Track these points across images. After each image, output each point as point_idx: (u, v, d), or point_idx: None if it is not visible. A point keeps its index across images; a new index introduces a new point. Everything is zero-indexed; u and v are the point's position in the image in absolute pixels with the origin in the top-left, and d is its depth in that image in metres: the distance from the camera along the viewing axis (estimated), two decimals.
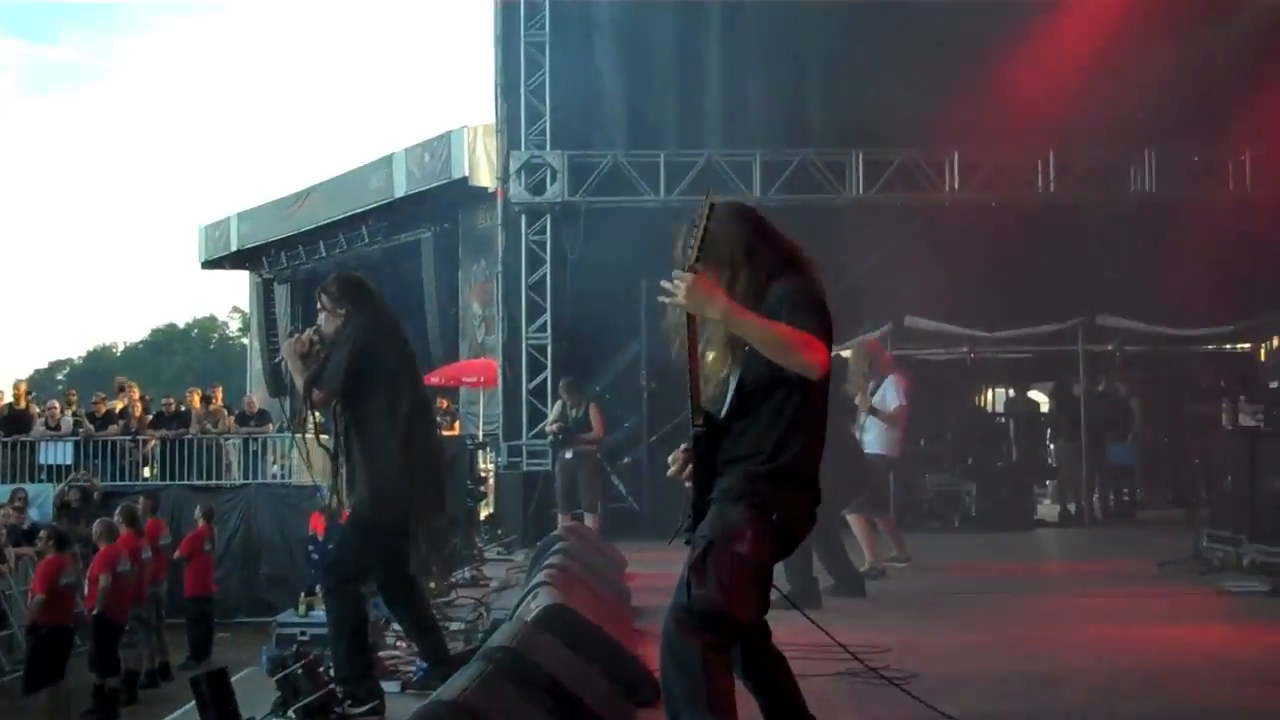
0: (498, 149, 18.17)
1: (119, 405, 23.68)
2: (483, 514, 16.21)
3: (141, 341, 75.06)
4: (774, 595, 4.40)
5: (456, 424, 21.89)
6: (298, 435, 7.03)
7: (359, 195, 26.79)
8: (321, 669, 6.07)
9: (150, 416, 23.45)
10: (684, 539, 4.24)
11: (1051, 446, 18.86)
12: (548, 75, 17.11)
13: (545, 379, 16.76)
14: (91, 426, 22.67)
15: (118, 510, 15.05)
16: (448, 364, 24.26)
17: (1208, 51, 15.77)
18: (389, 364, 6.36)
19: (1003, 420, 19.39)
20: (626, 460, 16.80)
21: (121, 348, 76.04)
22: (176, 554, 16.59)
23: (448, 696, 4.44)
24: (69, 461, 22.07)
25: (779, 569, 4.63)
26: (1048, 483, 19.33)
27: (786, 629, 4.68)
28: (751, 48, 17.16)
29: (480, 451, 16.63)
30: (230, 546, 20.92)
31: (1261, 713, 6.13)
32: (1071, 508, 17.45)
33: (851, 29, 16.60)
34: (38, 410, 23.28)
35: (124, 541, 14.21)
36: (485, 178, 22.22)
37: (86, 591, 13.78)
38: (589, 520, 13.98)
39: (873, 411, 11.53)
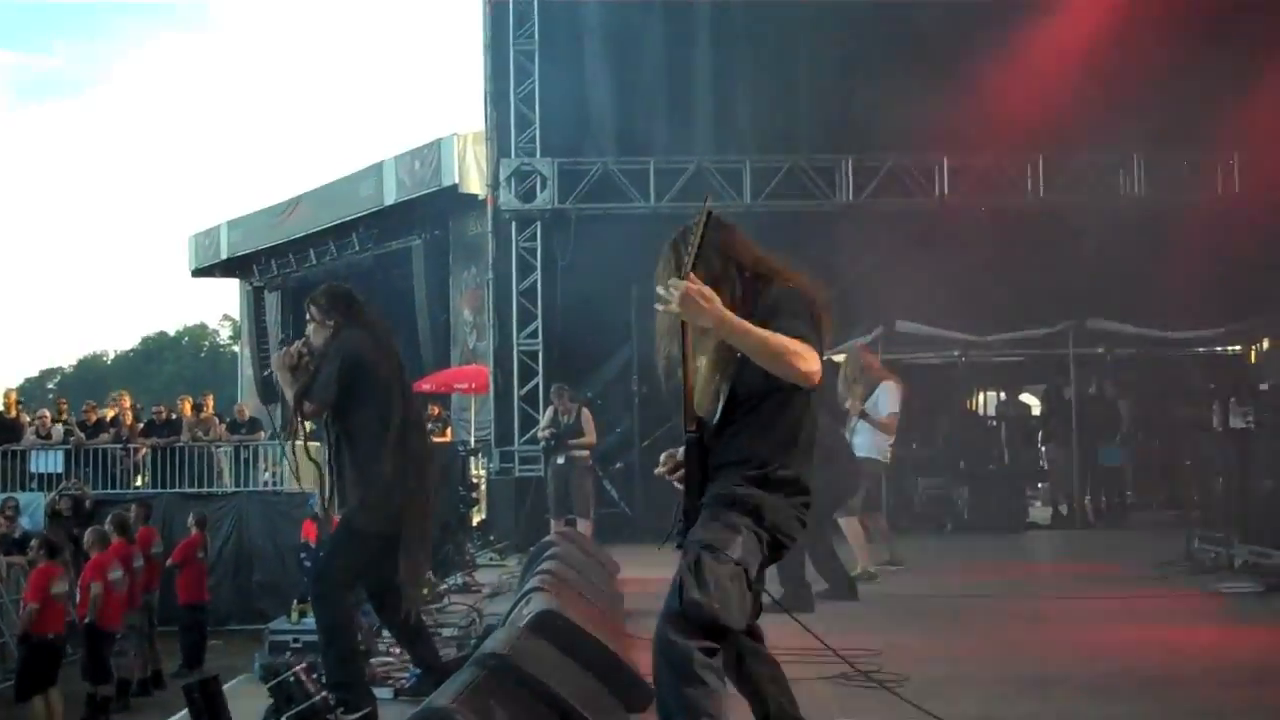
0: (487, 156, 18.21)
1: (110, 414, 23.63)
2: (475, 520, 16.22)
3: (132, 350, 75.11)
4: (766, 599, 4.42)
5: (448, 430, 21.86)
6: (289, 445, 7.03)
7: (349, 203, 26.82)
8: (314, 676, 6.07)
9: (141, 425, 23.37)
10: (676, 544, 4.24)
11: (1043, 449, 18.90)
12: (537, 83, 17.14)
13: (537, 385, 16.77)
14: (82, 435, 22.62)
15: (109, 518, 15.01)
16: (439, 370, 24.26)
17: (1196, 56, 15.80)
18: (379, 375, 6.37)
19: (994, 423, 19.44)
20: (618, 465, 16.82)
21: (112, 356, 76.06)
22: (169, 561, 16.53)
23: (440, 703, 4.44)
24: (60, 470, 22.00)
25: (771, 573, 4.65)
26: (1039, 485, 19.36)
27: (778, 633, 4.69)
28: (741, 54, 17.22)
29: (472, 458, 16.64)
30: (222, 554, 20.87)
31: (1253, 713, 6.14)
32: (1063, 510, 17.48)
33: (841, 35, 16.67)
34: (28, 419, 23.21)
35: (115, 550, 14.18)
36: (475, 185, 22.27)
37: (78, 600, 13.75)
38: (581, 525, 13.96)
39: (864, 416, 11.56)
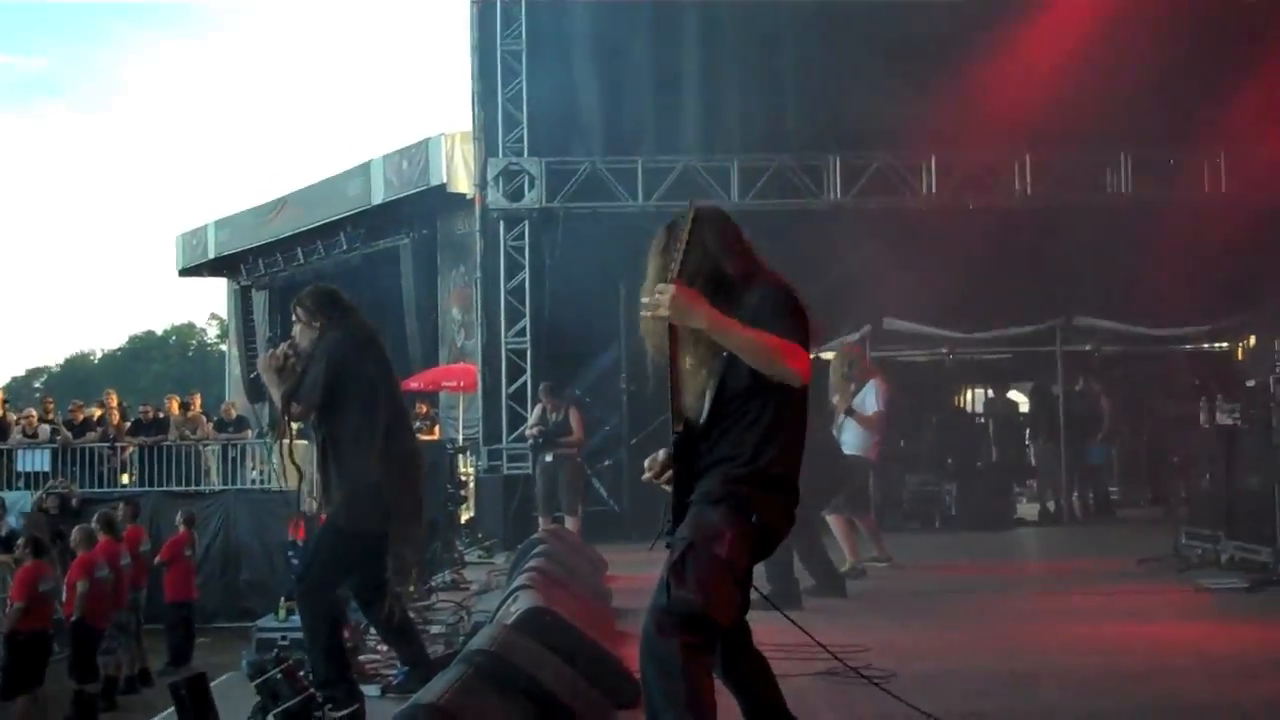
0: (475, 156, 18.16)
1: (96, 412, 23.61)
2: (463, 518, 16.21)
3: (120, 349, 74.87)
4: (754, 596, 4.42)
5: (436, 428, 21.87)
6: (276, 445, 7.04)
7: (337, 202, 26.77)
8: (301, 674, 6.08)
9: (128, 423, 23.36)
10: (664, 543, 4.25)
11: (1030, 446, 18.94)
12: (524, 82, 17.11)
13: (525, 383, 16.75)
14: (69, 434, 22.58)
15: (96, 517, 14.99)
16: (427, 369, 24.27)
17: (1182, 55, 15.85)
18: (365, 376, 6.37)
19: (982, 420, 19.47)
20: (607, 463, 16.82)
21: (99, 355, 75.89)
22: (157, 559, 16.55)
23: (428, 700, 4.45)
24: (46, 469, 21.98)
25: (759, 569, 4.66)
26: (1027, 482, 19.40)
27: (766, 629, 4.69)
28: (728, 54, 17.18)
29: (460, 456, 16.63)
30: (209, 552, 20.89)
31: (1239, 708, 6.15)
32: (1051, 506, 17.52)
33: (828, 34, 16.63)
34: (15, 418, 23.16)
35: (102, 548, 14.15)
36: (463, 184, 22.23)
37: (65, 598, 13.73)
38: (569, 523, 13.98)
39: (850, 413, 11.58)
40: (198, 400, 24.64)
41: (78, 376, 66.31)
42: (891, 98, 15.67)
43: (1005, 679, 6.80)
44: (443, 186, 23.27)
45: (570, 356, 16.84)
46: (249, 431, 23.47)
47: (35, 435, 22.32)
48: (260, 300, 30.95)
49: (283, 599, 8.78)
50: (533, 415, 15.14)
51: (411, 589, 9.48)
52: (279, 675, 5.90)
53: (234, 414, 24.21)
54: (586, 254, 16.00)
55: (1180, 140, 16.82)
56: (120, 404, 24.42)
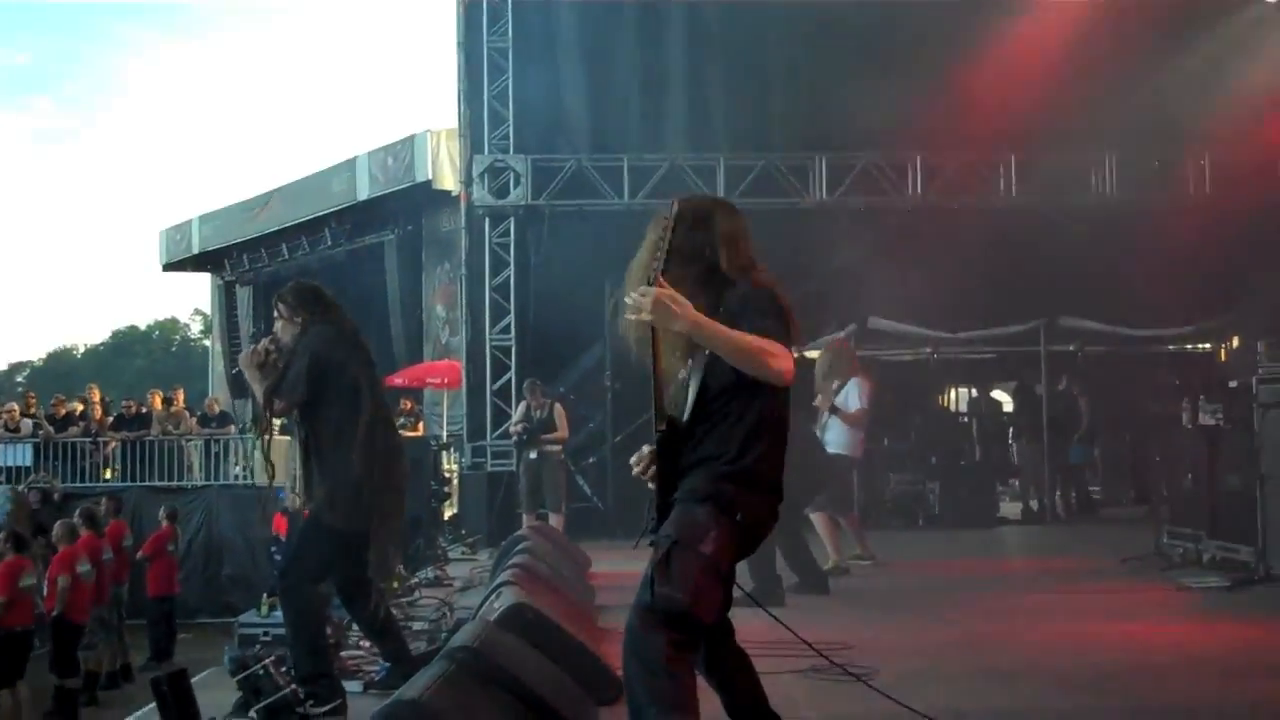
0: (461, 153, 18.15)
1: (79, 407, 23.53)
2: (447, 514, 16.21)
3: (102, 343, 74.54)
4: (737, 593, 4.43)
5: (421, 425, 21.83)
6: (258, 441, 7.02)
7: (322, 198, 26.71)
8: (283, 669, 6.06)
9: (111, 418, 23.28)
10: (648, 540, 4.25)
11: (1014, 445, 18.98)
12: (510, 80, 17.09)
13: (509, 380, 16.75)
14: (51, 428, 22.50)
15: (78, 511, 14.95)
16: (412, 365, 24.23)
17: (1167, 57, 15.90)
18: (348, 372, 6.36)
19: (966, 419, 19.53)
20: (591, 460, 16.82)
21: (82, 349, 75.52)
22: (139, 554, 16.51)
23: (410, 696, 4.44)
24: (28, 463, 21.89)
25: (742, 567, 4.66)
26: (1010, 481, 19.46)
27: (749, 626, 4.70)
28: (715, 52, 17.19)
29: (444, 452, 16.63)
30: (192, 547, 20.85)
31: (1221, 706, 6.18)
32: (1034, 505, 17.57)
33: (814, 34, 16.66)
34: None
35: (84, 543, 14.11)
36: (448, 181, 22.20)
37: (46, 593, 13.68)
38: (553, 520, 13.96)
39: (834, 411, 11.59)
40: (181, 395, 24.56)
41: (60, 371, 66.05)
42: (877, 98, 15.65)
43: (988, 676, 6.82)
44: (428, 183, 23.23)
45: (555, 354, 16.83)
46: (232, 427, 23.42)
47: (17, 430, 22.22)
48: (244, 296, 30.88)
49: (265, 594, 8.77)
50: (517, 412, 15.13)
51: (394, 585, 9.47)
52: (261, 670, 5.89)
53: (217, 409, 24.16)
54: (571, 251, 16.01)
55: (1165, 143, 16.90)
56: (103, 399, 24.34)
